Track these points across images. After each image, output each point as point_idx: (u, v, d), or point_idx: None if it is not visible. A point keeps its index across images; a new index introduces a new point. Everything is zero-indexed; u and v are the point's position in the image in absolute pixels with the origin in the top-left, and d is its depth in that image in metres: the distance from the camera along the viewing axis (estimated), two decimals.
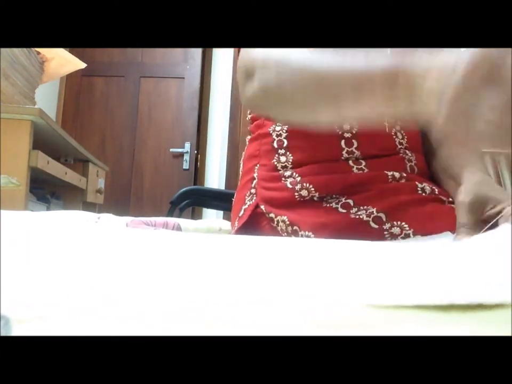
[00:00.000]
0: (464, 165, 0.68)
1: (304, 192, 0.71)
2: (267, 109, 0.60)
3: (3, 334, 0.18)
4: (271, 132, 0.78)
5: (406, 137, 0.77)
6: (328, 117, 0.52)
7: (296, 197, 0.71)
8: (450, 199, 0.70)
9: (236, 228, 0.78)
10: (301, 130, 0.75)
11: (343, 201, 0.69)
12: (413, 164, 0.76)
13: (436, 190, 0.71)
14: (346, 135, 0.73)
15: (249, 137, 0.85)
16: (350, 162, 0.72)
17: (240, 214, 0.78)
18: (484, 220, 0.57)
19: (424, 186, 0.71)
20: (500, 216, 0.55)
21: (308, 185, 0.71)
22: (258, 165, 0.78)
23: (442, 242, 0.59)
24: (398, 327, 0.20)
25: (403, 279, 0.25)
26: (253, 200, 0.77)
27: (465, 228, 0.56)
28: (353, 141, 0.73)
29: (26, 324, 0.19)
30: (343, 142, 0.73)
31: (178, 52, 3.42)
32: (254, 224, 0.76)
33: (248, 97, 0.59)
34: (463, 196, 0.58)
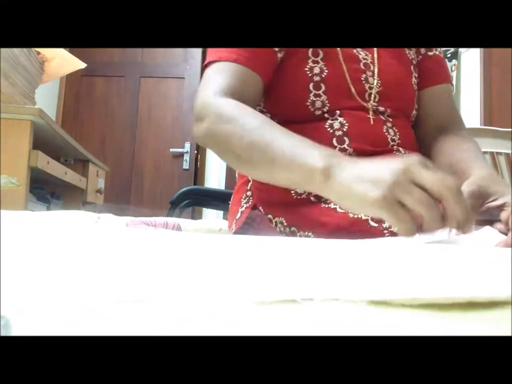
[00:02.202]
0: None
1: (300, 189, 0.71)
2: (212, 150, 0.71)
3: (3, 334, 0.18)
4: None
5: (398, 134, 0.76)
6: (260, 178, 0.65)
7: (293, 194, 0.71)
8: None
9: (233, 230, 0.78)
10: (292, 128, 0.76)
11: None
12: None
13: None
14: (338, 133, 0.73)
15: None
16: None
17: (237, 217, 0.78)
18: (482, 211, 0.58)
19: None
20: (503, 208, 0.55)
21: None
22: None
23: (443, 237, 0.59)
24: (398, 327, 0.20)
25: (404, 275, 0.25)
26: (250, 202, 0.76)
27: None
28: (344, 138, 0.73)
29: (26, 323, 0.19)
30: (334, 140, 0.73)
31: (178, 51, 3.41)
32: (251, 225, 0.76)
33: (196, 135, 0.70)
34: (465, 186, 0.58)
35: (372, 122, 0.75)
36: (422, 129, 0.84)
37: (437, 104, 0.85)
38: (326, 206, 0.69)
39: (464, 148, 0.76)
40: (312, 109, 0.75)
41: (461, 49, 2.68)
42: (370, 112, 0.76)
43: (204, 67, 0.76)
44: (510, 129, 1.52)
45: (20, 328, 0.18)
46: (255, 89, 0.72)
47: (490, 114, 2.45)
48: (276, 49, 0.74)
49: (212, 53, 0.74)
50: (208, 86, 0.70)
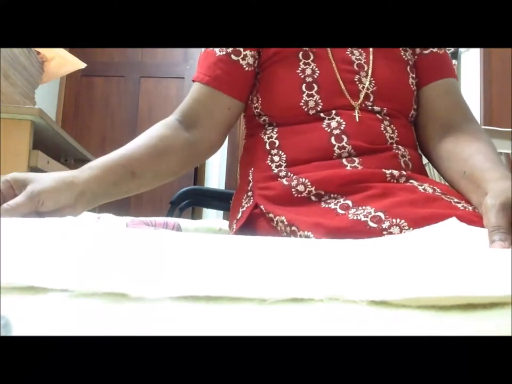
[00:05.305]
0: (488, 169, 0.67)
1: (300, 187, 0.71)
2: None
3: (3, 334, 0.18)
4: (262, 136, 0.80)
5: (396, 131, 0.76)
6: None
7: (293, 192, 0.71)
8: (456, 200, 0.68)
9: (234, 229, 0.78)
10: (291, 129, 0.76)
11: (342, 202, 0.68)
12: (406, 159, 0.75)
13: (438, 189, 0.70)
14: (335, 131, 0.74)
15: (245, 141, 0.87)
16: (344, 160, 0.72)
17: (238, 216, 0.78)
18: None
19: (425, 187, 0.70)
20: None
21: (304, 180, 0.71)
22: (252, 168, 0.79)
23: (444, 230, 0.57)
24: (398, 327, 0.20)
25: (404, 275, 0.25)
26: (251, 202, 0.77)
27: (499, 231, 0.51)
28: (342, 136, 0.73)
29: (27, 323, 0.19)
30: (332, 138, 0.73)
31: (178, 51, 3.41)
32: (252, 225, 0.76)
33: None
34: (493, 199, 0.55)
35: (368, 120, 0.75)
36: (425, 130, 0.82)
37: (436, 102, 0.82)
38: (326, 206, 0.69)
39: (476, 149, 0.72)
40: (305, 109, 0.75)
41: (461, 49, 2.67)
42: (366, 112, 0.76)
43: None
44: (510, 129, 1.52)
45: (20, 328, 0.18)
46: (222, 106, 0.80)
47: (490, 114, 2.45)
48: (246, 67, 0.79)
49: (196, 70, 0.84)
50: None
